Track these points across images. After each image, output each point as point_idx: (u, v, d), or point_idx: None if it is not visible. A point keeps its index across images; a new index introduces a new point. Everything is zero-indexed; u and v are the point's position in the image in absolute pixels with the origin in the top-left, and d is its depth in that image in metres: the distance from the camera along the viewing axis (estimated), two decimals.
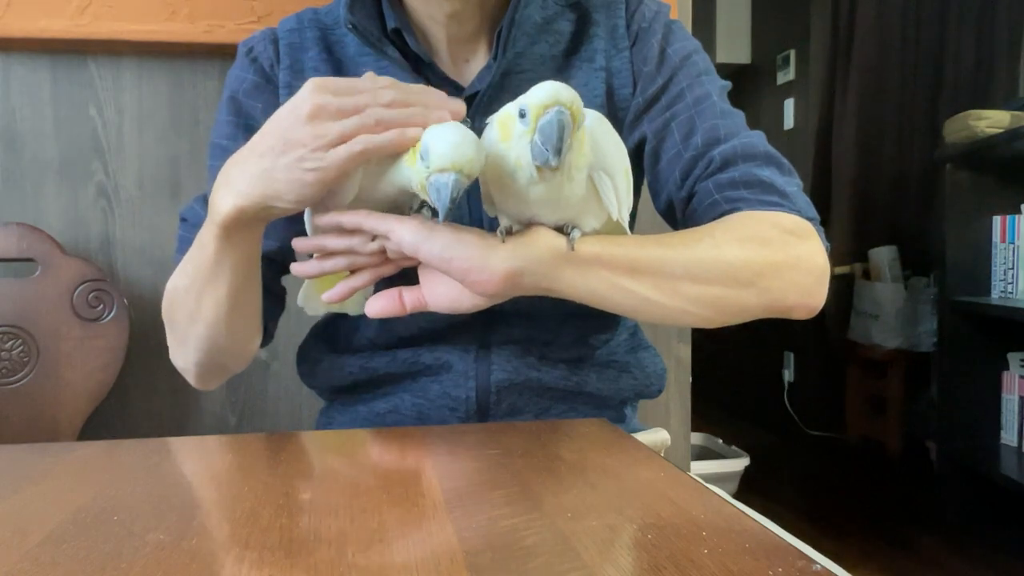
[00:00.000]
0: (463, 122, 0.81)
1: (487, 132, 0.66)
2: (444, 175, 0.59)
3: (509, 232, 0.66)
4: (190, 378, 0.82)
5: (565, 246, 0.66)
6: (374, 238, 0.68)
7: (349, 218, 0.67)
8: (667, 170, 0.80)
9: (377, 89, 0.63)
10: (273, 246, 0.81)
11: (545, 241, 0.66)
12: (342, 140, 0.61)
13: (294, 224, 0.80)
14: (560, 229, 0.68)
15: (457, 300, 0.68)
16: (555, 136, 0.58)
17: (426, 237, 0.64)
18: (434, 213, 0.65)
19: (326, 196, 0.67)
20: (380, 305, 0.71)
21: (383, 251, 0.68)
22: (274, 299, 0.86)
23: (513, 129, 0.61)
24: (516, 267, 0.65)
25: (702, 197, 0.77)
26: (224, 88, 0.85)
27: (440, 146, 0.60)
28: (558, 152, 0.58)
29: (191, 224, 0.81)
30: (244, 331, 0.79)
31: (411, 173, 0.63)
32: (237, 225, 0.67)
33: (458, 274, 0.65)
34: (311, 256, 0.73)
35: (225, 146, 0.81)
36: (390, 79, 0.65)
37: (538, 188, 0.62)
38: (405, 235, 0.65)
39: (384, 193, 0.67)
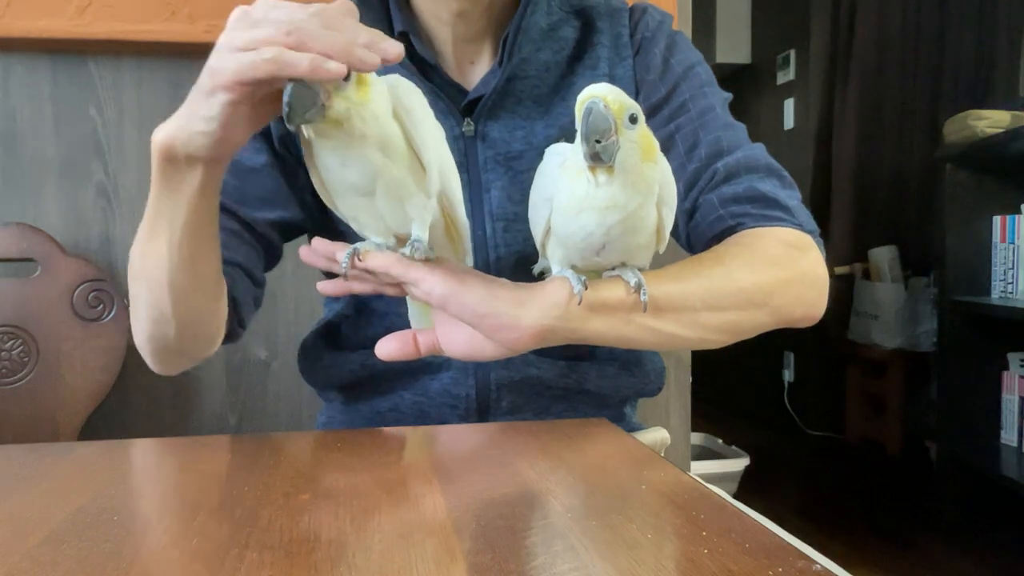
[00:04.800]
0: (464, 125, 0.81)
1: (545, 163, 0.66)
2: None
3: (585, 287, 0.64)
4: (146, 356, 0.76)
5: (591, 297, 0.64)
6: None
7: (376, 262, 0.64)
8: None
9: (308, 6, 0.56)
10: (266, 216, 0.79)
11: (571, 294, 0.64)
12: (250, 46, 0.54)
13: (293, 203, 0.81)
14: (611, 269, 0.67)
15: (478, 349, 0.66)
16: (596, 124, 0.56)
17: (457, 291, 0.62)
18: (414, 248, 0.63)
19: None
20: (392, 348, 0.69)
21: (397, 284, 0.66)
22: (253, 285, 0.81)
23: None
24: (547, 325, 0.64)
25: (706, 211, 0.79)
26: None
27: None
28: (599, 139, 0.57)
29: None
30: (192, 301, 0.70)
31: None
32: (170, 158, 0.61)
33: (488, 331, 0.64)
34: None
35: None
36: (337, 7, 0.58)
37: (602, 195, 0.60)
38: (436, 287, 0.62)
39: (350, 178, 0.62)
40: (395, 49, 0.56)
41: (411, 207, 0.64)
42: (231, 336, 0.78)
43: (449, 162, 0.67)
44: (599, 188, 0.60)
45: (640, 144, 0.59)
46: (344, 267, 0.64)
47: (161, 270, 0.66)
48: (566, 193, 0.62)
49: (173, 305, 0.68)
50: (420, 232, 0.65)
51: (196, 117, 0.58)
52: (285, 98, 0.54)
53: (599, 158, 0.58)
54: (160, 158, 0.61)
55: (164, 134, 0.60)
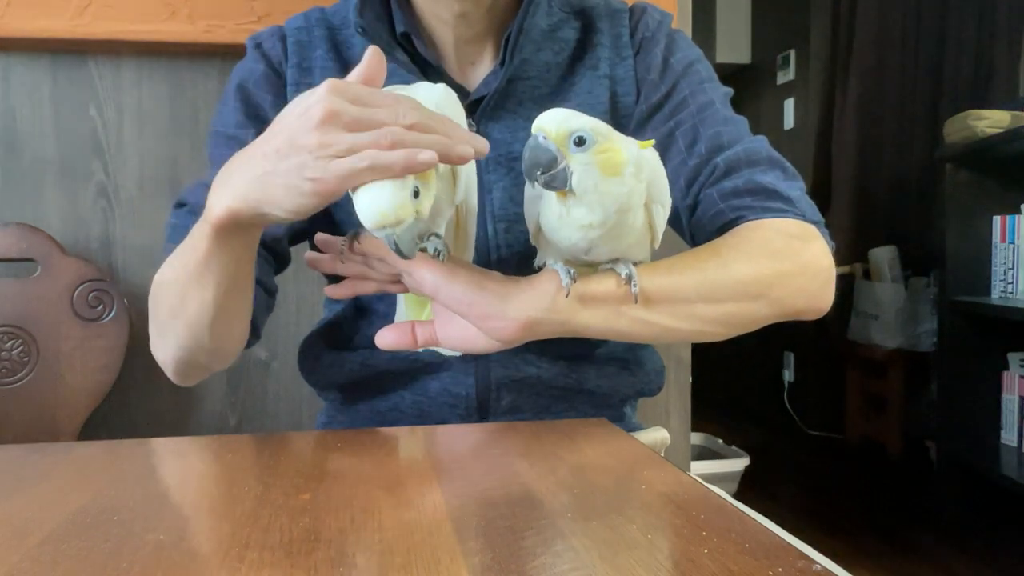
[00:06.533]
0: (468, 125, 0.82)
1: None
2: (379, 232, 0.59)
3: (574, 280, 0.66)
4: (168, 372, 0.78)
5: (580, 289, 0.66)
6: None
7: (373, 247, 0.67)
8: (672, 178, 0.80)
9: (398, 106, 0.57)
10: (276, 232, 0.80)
11: (559, 286, 0.66)
12: (351, 153, 0.55)
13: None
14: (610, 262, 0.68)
15: (472, 342, 0.68)
16: (535, 158, 0.60)
17: (447, 280, 0.65)
18: (436, 252, 0.66)
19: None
20: (391, 338, 0.71)
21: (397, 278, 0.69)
22: (267, 295, 0.83)
23: None
24: (533, 317, 0.65)
25: (707, 206, 0.79)
26: (230, 79, 0.84)
27: (361, 207, 0.57)
28: (530, 176, 0.60)
29: (188, 210, 0.78)
30: (229, 334, 0.75)
31: None
32: (230, 227, 0.63)
33: (476, 320, 0.66)
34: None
35: (232, 135, 0.80)
36: (413, 100, 0.59)
37: (574, 215, 0.62)
38: (426, 276, 0.65)
39: None
40: (483, 145, 0.59)
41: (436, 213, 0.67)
42: (246, 344, 0.80)
43: (473, 175, 0.69)
44: (570, 209, 0.62)
45: (598, 163, 0.60)
46: (342, 245, 0.68)
47: (206, 315, 0.69)
48: (546, 206, 0.64)
49: (211, 339, 0.72)
50: (438, 229, 0.67)
51: (278, 206, 0.59)
52: (391, 248, 0.59)
53: (551, 187, 0.60)
54: (220, 225, 0.62)
55: (229, 206, 0.61)
